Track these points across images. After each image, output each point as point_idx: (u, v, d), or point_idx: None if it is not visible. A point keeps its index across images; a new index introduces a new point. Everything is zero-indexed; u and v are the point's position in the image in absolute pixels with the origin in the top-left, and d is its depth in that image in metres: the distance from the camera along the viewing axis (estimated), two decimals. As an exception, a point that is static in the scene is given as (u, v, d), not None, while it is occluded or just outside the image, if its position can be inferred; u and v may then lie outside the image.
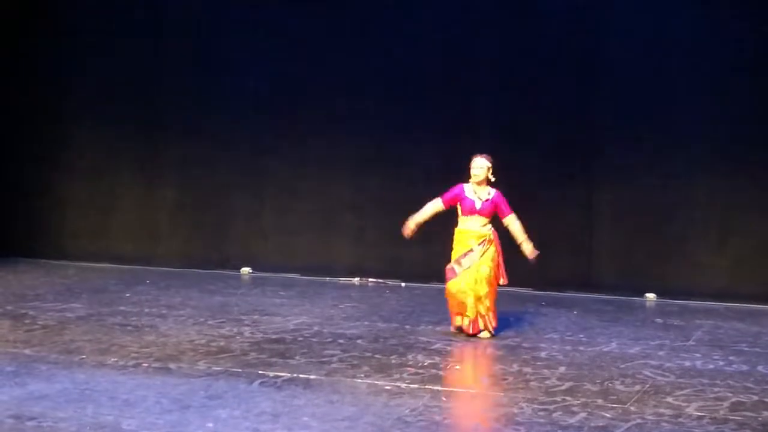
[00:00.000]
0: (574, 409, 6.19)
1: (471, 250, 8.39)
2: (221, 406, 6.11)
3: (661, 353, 8.00)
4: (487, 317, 8.40)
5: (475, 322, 8.40)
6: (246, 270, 12.31)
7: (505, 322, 9.13)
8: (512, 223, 8.53)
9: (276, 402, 6.26)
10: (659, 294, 10.90)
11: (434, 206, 8.59)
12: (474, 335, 8.39)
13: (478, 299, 8.34)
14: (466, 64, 11.55)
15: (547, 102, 11.27)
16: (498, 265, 8.47)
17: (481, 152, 8.57)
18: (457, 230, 8.53)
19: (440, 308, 9.92)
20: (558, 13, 11.29)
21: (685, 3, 10.96)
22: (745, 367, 7.51)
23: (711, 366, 7.55)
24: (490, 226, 8.49)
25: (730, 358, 7.85)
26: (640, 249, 11.08)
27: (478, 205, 8.41)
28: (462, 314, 8.43)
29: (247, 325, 8.80)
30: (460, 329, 8.51)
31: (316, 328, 8.75)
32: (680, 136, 10.91)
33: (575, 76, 11.22)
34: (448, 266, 8.53)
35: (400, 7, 11.89)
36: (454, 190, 8.51)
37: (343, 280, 11.84)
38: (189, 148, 12.66)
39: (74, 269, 12.29)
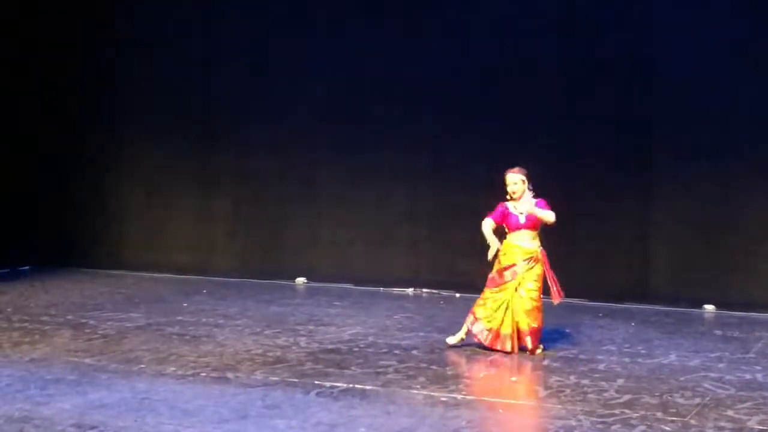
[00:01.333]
0: (633, 422, 6.12)
1: (515, 265, 8.25)
2: (279, 416, 6.15)
3: (720, 365, 7.88)
4: (525, 337, 8.17)
5: (496, 337, 8.21)
6: (301, 280, 12.38)
7: (561, 334, 9.07)
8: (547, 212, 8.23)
9: (332, 412, 6.28)
10: (718, 306, 10.74)
11: (490, 226, 8.39)
12: (490, 348, 8.23)
13: (511, 318, 8.18)
14: (521, 73, 11.49)
15: (603, 111, 11.17)
16: (551, 282, 8.26)
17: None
18: (505, 242, 8.36)
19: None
20: (615, 20, 11.20)
21: (743, 10, 10.81)
22: (807, 381, 7.38)
23: (773, 379, 7.43)
24: (538, 242, 8.31)
25: (793, 371, 7.72)
26: (698, 260, 10.93)
27: (522, 220, 8.26)
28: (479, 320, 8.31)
29: (303, 335, 8.85)
30: (469, 332, 8.36)
31: (371, 339, 8.76)
32: (739, 145, 10.75)
33: (632, 85, 11.11)
34: (490, 275, 8.43)
35: (453, 15, 11.88)
36: (500, 209, 8.38)
37: (397, 290, 11.84)
38: (244, 160, 12.77)
39: (132, 279, 12.46)
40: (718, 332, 9.48)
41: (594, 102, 11.22)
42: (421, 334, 9.07)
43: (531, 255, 8.25)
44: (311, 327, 9.29)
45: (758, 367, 7.81)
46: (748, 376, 7.48)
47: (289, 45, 12.52)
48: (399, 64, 12.03)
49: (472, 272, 11.63)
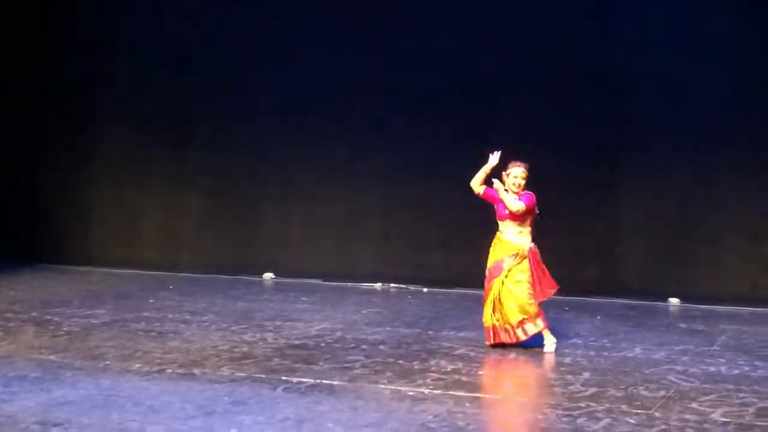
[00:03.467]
0: (599, 415, 6.16)
1: (501, 260, 8.20)
2: (245, 412, 6.13)
3: (685, 358, 7.95)
4: (508, 331, 8.13)
5: (492, 331, 8.17)
6: (268, 276, 12.35)
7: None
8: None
9: (300, 408, 6.27)
10: (683, 299, 10.84)
11: (478, 183, 8.22)
12: (495, 345, 8.20)
13: (500, 311, 8.13)
14: (490, 70, 11.54)
15: (571, 109, 11.23)
16: (536, 281, 8.13)
17: (507, 158, 8.50)
18: (497, 234, 8.30)
19: (463, 314, 9.93)
20: (580, 18, 11.27)
21: (705, 8, 10.90)
22: (770, 373, 7.46)
23: (736, 371, 7.49)
24: (528, 239, 8.20)
25: (756, 363, 7.79)
26: (663, 254, 11.03)
27: (507, 210, 8.18)
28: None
29: (270, 331, 8.83)
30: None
31: (338, 334, 8.76)
32: (707, 141, 10.85)
33: (601, 80, 11.18)
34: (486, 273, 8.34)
35: (421, 15, 11.90)
36: (494, 191, 8.23)
37: (365, 285, 11.85)
38: (214, 156, 12.72)
39: (99, 275, 12.38)
40: (683, 325, 9.57)
41: (563, 98, 11.27)
42: (389, 328, 9.08)
43: (517, 251, 8.18)
44: (279, 322, 9.27)
45: (722, 360, 7.89)
46: (712, 369, 7.55)
47: (261, 44, 12.50)
48: (369, 62, 12.05)
49: (439, 267, 11.72)
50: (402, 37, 11.93)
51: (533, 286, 8.16)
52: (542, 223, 8.47)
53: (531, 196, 8.21)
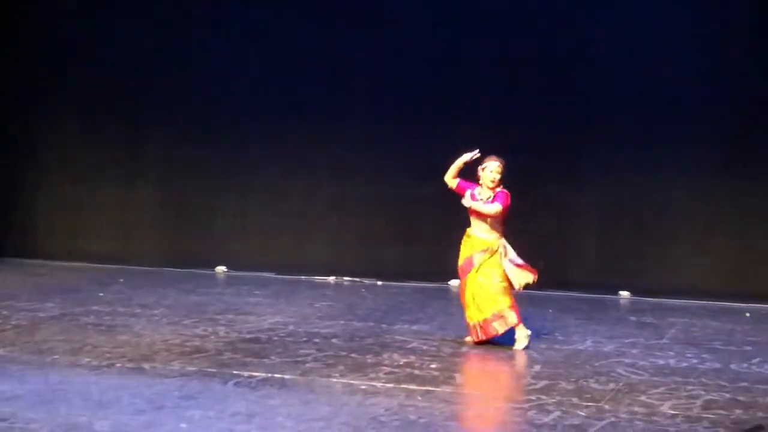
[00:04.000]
0: (549, 407, 6.19)
1: (471, 257, 8.08)
2: (195, 407, 6.08)
3: (635, 351, 8.03)
4: (484, 327, 7.98)
5: (477, 328, 8.04)
6: (221, 269, 12.28)
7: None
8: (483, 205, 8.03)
9: (250, 402, 6.23)
10: (633, 292, 10.95)
11: (452, 176, 8.08)
12: (479, 343, 8.04)
13: (476, 307, 7.99)
14: (447, 65, 11.56)
15: (529, 102, 11.28)
16: (508, 275, 8.03)
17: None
18: (466, 231, 8.16)
19: (417, 307, 9.96)
20: (541, 13, 11.31)
21: (663, 5, 11.00)
22: (718, 365, 7.55)
23: (684, 364, 7.58)
24: (497, 235, 8.07)
25: (704, 356, 7.89)
26: (614, 247, 11.13)
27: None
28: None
29: (222, 325, 8.77)
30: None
31: (291, 328, 8.73)
32: (661, 138, 10.96)
33: (555, 75, 11.25)
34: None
35: (382, 8, 11.88)
36: (469, 185, 8.09)
37: (318, 279, 11.82)
38: (168, 148, 12.62)
39: (48, 268, 12.23)
40: (633, 318, 9.67)
41: (515, 93, 11.31)
42: (342, 322, 9.06)
43: (486, 247, 8.06)
44: (231, 316, 9.22)
45: (671, 353, 7.98)
46: (661, 362, 7.63)
47: (216, 34, 12.40)
48: (326, 56, 12.00)
49: (393, 261, 11.73)
50: (351, 29, 11.90)
51: (506, 278, 8.04)
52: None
53: (506, 194, 8.08)
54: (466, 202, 8.04)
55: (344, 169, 11.99)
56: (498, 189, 8.08)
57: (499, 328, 8.00)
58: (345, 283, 11.70)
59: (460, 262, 8.18)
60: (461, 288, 8.16)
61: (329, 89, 11.98)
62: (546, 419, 5.94)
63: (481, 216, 8.06)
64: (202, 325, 8.74)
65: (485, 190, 8.08)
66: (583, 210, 11.25)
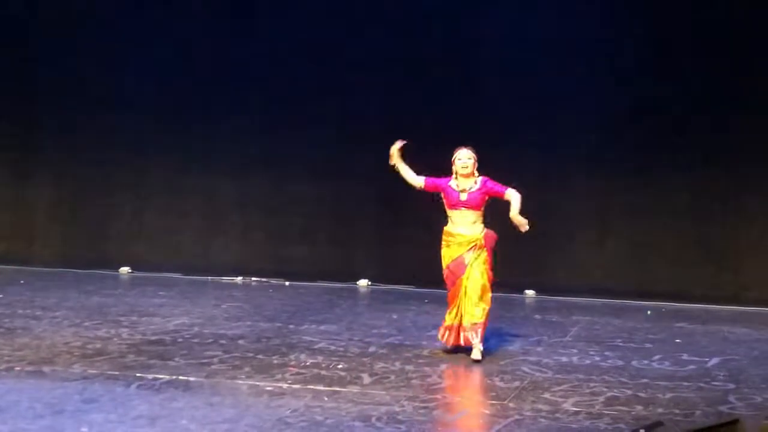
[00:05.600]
0: (454, 406, 6.24)
1: (461, 256, 7.73)
2: (96, 410, 5.96)
3: (539, 349, 8.14)
4: (471, 332, 7.64)
5: (454, 333, 7.74)
6: (125, 270, 12.06)
7: (387, 321, 9.17)
8: (512, 196, 7.84)
9: (154, 405, 6.13)
10: (538, 291, 11.10)
11: (414, 178, 7.85)
12: (454, 349, 7.77)
13: (463, 309, 7.69)
14: (345, 65, 11.54)
15: (424, 101, 11.31)
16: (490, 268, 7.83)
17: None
18: (445, 230, 7.82)
19: (324, 307, 9.93)
20: (433, 16, 11.37)
21: (560, 5, 11.17)
22: (620, 362, 7.70)
23: (587, 361, 7.71)
24: (481, 227, 7.82)
25: (606, 353, 8.04)
26: (520, 246, 11.21)
27: (463, 197, 7.73)
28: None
29: (126, 327, 8.61)
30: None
31: (196, 329, 8.62)
32: (558, 136, 11.10)
33: (448, 76, 11.28)
34: (444, 274, 7.85)
35: (278, 6, 11.82)
36: (440, 180, 7.82)
37: (225, 279, 11.70)
38: (66, 146, 12.34)
39: (-56, 270, 11.85)
40: (538, 317, 9.81)
41: (412, 90, 11.34)
42: (248, 323, 8.99)
43: (474, 242, 7.75)
44: (134, 318, 9.06)
45: (575, 350, 8.11)
46: (564, 359, 7.75)
47: (115, 29, 12.16)
48: (228, 55, 11.88)
49: (302, 260, 11.67)
50: (258, 30, 11.81)
51: (490, 269, 7.81)
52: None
53: (489, 178, 7.85)
54: (515, 203, 7.82)
55: (248, 167, 11.87)
56: (477, 176, 7.81)
57: (474, 337, 7.62)
58: (253, 283, 11.60)
59: (447, 263, 7.80)
60: (454, 291, 7.75)
61: (231, 85, 11.85)
62: (451, 417, 5.98)
63: (469, 206, 7.75)
64: (104, 327, 8.57)
65: (463, 180, 7.79)
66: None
